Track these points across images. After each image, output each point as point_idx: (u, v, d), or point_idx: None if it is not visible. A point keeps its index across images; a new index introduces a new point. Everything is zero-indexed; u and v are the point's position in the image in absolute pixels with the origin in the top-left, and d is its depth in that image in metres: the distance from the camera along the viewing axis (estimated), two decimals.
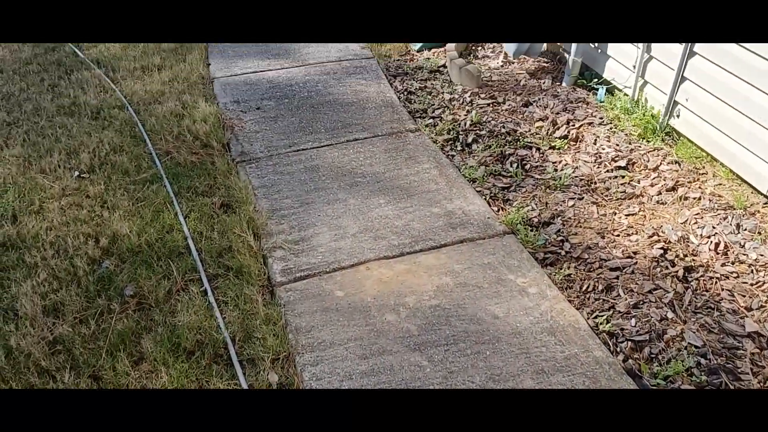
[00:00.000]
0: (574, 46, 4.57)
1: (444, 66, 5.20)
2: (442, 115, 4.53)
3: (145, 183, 3.74)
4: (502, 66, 5.14)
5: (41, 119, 4.32)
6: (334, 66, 5.21)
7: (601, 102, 4.48)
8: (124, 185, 3.72)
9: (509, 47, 4.90)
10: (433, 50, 5.49)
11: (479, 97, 4.72)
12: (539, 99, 4.59)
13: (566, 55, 4.93)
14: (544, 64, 5.09)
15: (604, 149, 4.01)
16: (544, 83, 4.78)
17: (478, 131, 4.31)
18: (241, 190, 3.67)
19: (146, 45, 5.37)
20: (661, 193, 3.62)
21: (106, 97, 4.62)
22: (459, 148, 4.20)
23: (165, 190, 3.68)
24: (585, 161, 3.95)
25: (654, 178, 3.73)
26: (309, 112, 4.57)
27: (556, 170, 3.92)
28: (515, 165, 3.97)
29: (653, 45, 4.08)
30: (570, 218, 3.51)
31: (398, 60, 5.34)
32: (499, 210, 3.63)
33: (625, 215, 3.50)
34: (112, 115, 4.39)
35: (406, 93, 4.85)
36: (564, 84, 4.74)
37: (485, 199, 3.71)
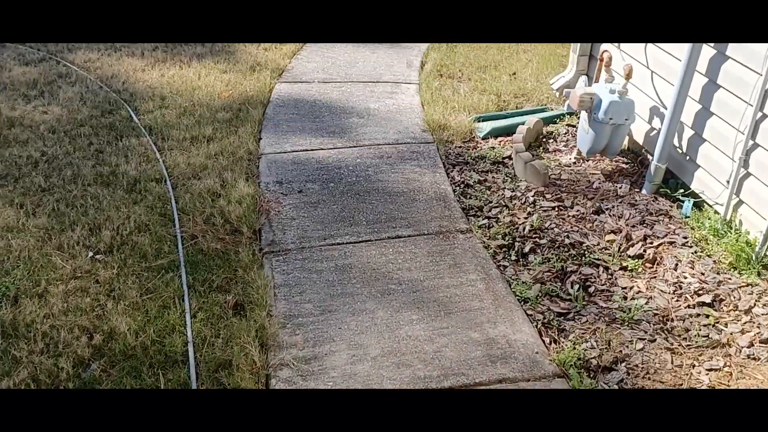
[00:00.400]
0: (658, 149, 4.01)
1: (509, 157, 4.73)
2: (499, 216, 4.04)
3: (160, 270, 3.43)
4: (574, 163, 4.61)
5: (76, 188, 4.15)
6: (390, 149, 4.85)
7: (686, 217, 3.86)
8: (138, 271, 3.42)
9: (583, 145, 4.39)
10: (499, 138, 5.05)
11: (544, 197, 4.21)
12: (613, 207, 4.02)
13: (649, 157, 4.36)
14: (623, 165, 4.53)
15: (686, 278, 3.39)
16: (620, 188, 4.22)
17: (537, 239, 3.79)
18: (259, 289, 3.29)
19: (201, 114, 5.22)
20: (753, 345, 2.95)
21: (147, 167, 4.42)
22: (513, 257, 3.69)
23: (179, 282, 3.35)
24: (662, 291, 3.34)
25: (745, 323, 3.07)
26: (353, 200, 4.19)
27: (625, 298, 3.32)
28: (577, 286, 3.40)
29: (752, 160, 3.47)
30: (637, 365, 2.90)
31: (460, 147, 4.93)
32: (551, 342, 3.07)
33: (707, 370, 2.85)
34: (147, 189, 4.17)
35: (462, 186, 4.40)
36: (644, 191, 4.16)
37: (536, 326, 3.16)
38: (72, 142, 4.77)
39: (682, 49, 3.72)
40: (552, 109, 5.43)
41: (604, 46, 4.78)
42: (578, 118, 4.96)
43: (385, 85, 5.96)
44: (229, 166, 4.50)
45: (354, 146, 4.89)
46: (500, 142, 5.01)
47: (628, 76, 4.06)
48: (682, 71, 3.74)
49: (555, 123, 5.20)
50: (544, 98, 5.63)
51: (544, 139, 4.97)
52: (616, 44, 4.48)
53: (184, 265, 3.48)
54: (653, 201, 4.06)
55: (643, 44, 4.31)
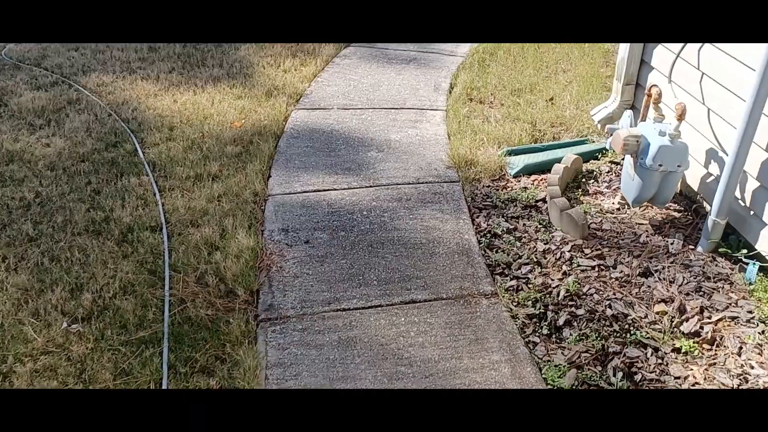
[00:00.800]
0: (716, 201, 3.45)
1: (543, 200, 4.21)
2: (530, 276, 3.54)
3: (140, 345, 3.05)
4: (618, 209, 4.07)
5: (65, 237, 3.82)
6: (410, 190, 4.38)
7: (750, 284, 3.29)
8: (115, 346, 3.05)
9: (628, 192, 3.84)
10: (533, 177, 4.52)
11: (582, 252, 3.68)
12: (663, 268, 3.48)
13: (705, 205, 3.80)
14: (674, 214, 3.96)
15: (752, 367, 2.83)
16: (671, 243, 3.66)
17: (574, 308, 3.28)
18: (247, 373, 2.87)
19: (209, 149, 4.84)
20: None
21: (144, 213, 4.06)
22: (545, 331, 3.18)
23: (158, 361, 2.96)
24: (722, 384, 2.79)
25: None
26: (365, 253, 3.75)
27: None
28: (621, 374, 2.88)
29: None
30: None
31: (488, 186, 4.43)
32: None
33: None
34: (140, 239, 3.80)
35: (489, 235, 3.91)
36: (699, 248, 3.60)
37: None
38: (70, 180, 4.45)
39: (748, 86, 3.16)
40: (593, 141, 4.88)
41: (653, 78, 4.22)
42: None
43: (408, 113, 5.49)
44: (232, 210, 4.11)
45: (370, 186, 4.44)
46: (534, 180, 4.49)
47: (681, 117, 3.51)
48: (746, 113, 3.18)
49: (596, 159, 4.65)
50: (584, 128, 5.08)
51: (584, 179, 4.43)
52: (667, 76, 3.91)
53: (167, 338, 3.09)
54: (711, 262, 3.49)
55: (698, 77, 3.74)
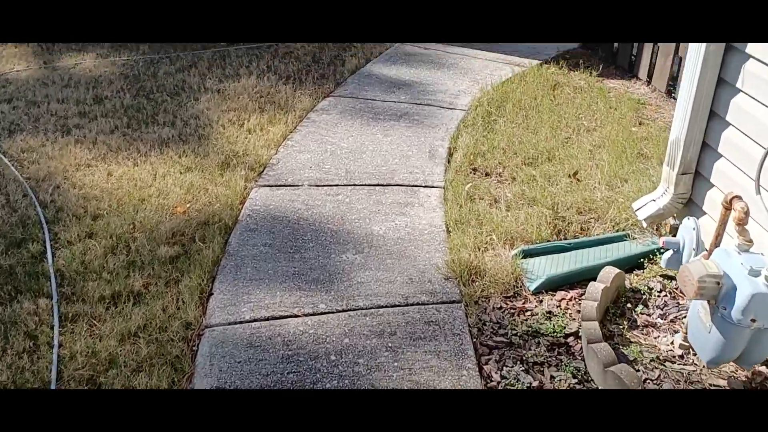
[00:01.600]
0: None
1: (575, 335, 3.11)
2: None
3: None
4: (680, 357, 2.96)
5: None
6: (395, 317, 3.28)
7: None
8: None
9: (702, 349, 2.70)
10: (559, 293, 3.42)
11: None
12: None
13: None
14: (763, 369, 2.84)
15: None
16: None
17: None
18: None
19: (138, 250, 3.75)
20: None
21: (28, 365, 2.97)
22: None
23: None
24: None
25: None
26: None
27: None
28: None
29: None
30: None
31: (500, 309, 3.33)
32: None
33: None
34: None
35: None
36: None
37: None
38: None
39: None
40: (634, 238, 3.77)
41: (721, 169, 3.11)
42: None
43: (397, 191, 4.39)
44: (150, 357, 3.01)
45: (342, 310, 3.34)
46: (561, 300, 3.39)
47: None
48: None
49: (641, 265, 3.55)
50: (621, 218, 3.95)
51: (628, 303, 3.32)
52: (754, 179, 2.80)
53: None
54: None
55: None
